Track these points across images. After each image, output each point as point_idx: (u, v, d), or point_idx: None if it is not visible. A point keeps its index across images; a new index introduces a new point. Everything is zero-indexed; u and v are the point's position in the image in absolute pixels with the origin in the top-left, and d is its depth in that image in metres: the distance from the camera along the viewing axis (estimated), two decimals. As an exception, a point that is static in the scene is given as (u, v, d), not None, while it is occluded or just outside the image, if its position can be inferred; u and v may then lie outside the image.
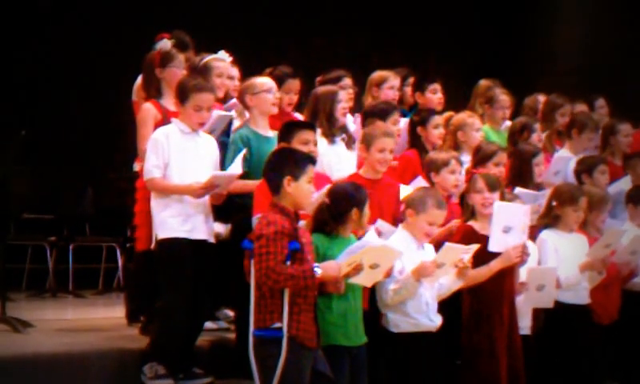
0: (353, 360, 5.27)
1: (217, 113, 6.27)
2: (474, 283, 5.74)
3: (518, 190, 6.39)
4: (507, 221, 5.74)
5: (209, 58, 6.83)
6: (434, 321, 5.63)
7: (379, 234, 5.60)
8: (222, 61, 6.84)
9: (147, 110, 6.32)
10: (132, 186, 6.58)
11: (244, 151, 5.97)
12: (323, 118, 6.43)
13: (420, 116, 6.90)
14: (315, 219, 5.32)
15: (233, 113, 6.67)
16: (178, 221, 5.77)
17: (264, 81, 6.40)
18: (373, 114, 6.60)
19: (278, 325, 4.87)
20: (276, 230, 4.84)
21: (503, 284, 5.84)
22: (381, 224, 5.72)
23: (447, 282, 5.66)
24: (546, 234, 6.36)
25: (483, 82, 7.93)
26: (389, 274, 5.41)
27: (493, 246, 5.74)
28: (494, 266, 5.75)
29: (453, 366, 5.83)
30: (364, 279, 5.18)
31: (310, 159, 5.17)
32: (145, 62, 6.55)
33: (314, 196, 5.29)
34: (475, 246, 5.61)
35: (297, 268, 4.84)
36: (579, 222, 6.45)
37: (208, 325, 6.45)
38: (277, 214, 4.95)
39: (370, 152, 5.94)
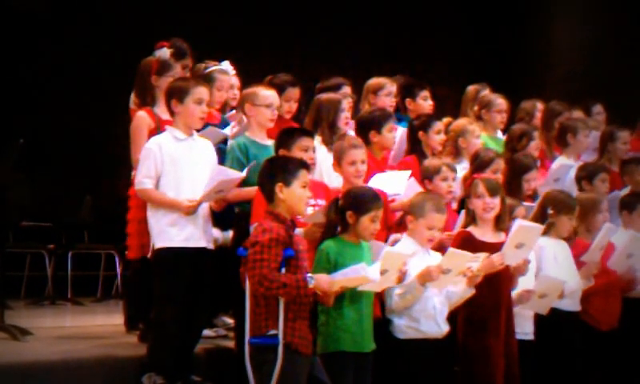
0: (358, 367, 5.29)
1: (211, 128, 6.27)
2: None
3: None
4: (523, 239, 5.76)
5: (213, 68, 6.83)
6: (441, 327, 5.64)
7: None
8: (226, 73, 6.84)
9: (141, 119, 6.33)
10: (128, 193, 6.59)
11: (253, 163, 5.93)
12: (325, 126, 6.43)
13: (421, 121, 6.89)
14: (327, 223, 5.35)
15: (227, 131, 6.66)
16: (176, 229, 5.77)
17: (267, 95, 6.26)
18: (368, 122, 6.60)
19: (273, 332, 4.88)
20: (271, 237, 4.86)
21: (499, 291, 5.84)
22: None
23: (458, 290, 5.67)
24: (543, 242, 6.36)
25: (472, 87, 7.94)
26: (401, 280, 5.43)
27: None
28: (480, 271, 5.71)
29: (450, 372, 5.84)
30: (374, 285, 5.20)
31: (303, 165, 5.18)
32: (140, 68, 6.56)
33: (309, 210, 5.31)
34: (483, 255, 5.62)
35: (290, 277, 4.85)
36: (571, 229, 6.47)
37: (206, 332, 6.45)
38: (272, 221, 4.97)
39: (342, 166, 5.92)
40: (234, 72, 6.96)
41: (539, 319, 6.24)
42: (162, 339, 5.78)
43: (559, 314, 6.25)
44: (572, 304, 6.37)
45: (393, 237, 5.75)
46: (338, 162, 5.94)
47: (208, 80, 6.65)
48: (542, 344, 6.23)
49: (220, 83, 6.78)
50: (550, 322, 6.21)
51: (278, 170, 5.09)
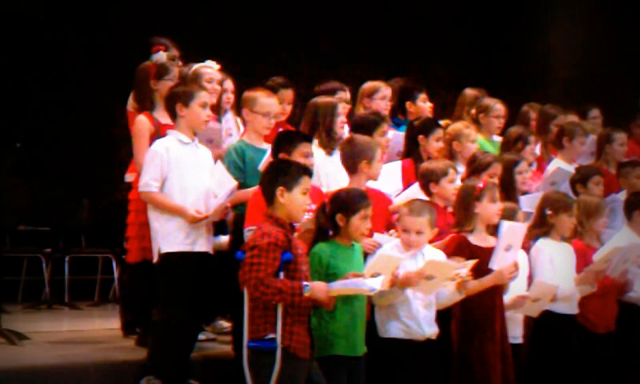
0: (351, 370, 5.30)
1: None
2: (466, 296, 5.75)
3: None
4: (510, 240, 5.77)
5: (197, 65, 6.84)
6: (424, 330, 5.61)
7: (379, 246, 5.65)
8: (210, 67, 6.85)
9: (142, 123, 6.32)
10: (126, 197, 6.58)
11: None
12: (322, 131, 6.40)
13: (422, 124, 6.88)
14: (316, 226, 5.35)
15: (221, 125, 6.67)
16: (181, 234, 5.79)
17: (266, 103, 6.26)
18: (361, 126, 6.61)
19: (271, 336, 4.90)
20: (269, 242, 4.87)
21: (494, 296, 5.85)
22: (378, 237, 5.73)
23: (447, 293, 5.67)
24: (542, 244, 6.38)
25: (469, 92, 7.94)
26: (394, 283, 5.43)
27: (495, 264, 5.77)
28: (486, 282, 5.75)
29: (439, 375, 5.83)
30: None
31: (306, 171, 5.19)
32: (138, 73, 6.56)
33: (306, 216, 5.32)
34: (472, 262, 5.62)
35: (286, 282, 4.86)
36: (572, 228, 6.47)
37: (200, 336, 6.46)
38: (271, 225, 4.97)
39: (372, 165, 5.92)
40: (217, 66, 6.93)
41: (536, 321, 6.25)
42: (166, 342, 5.77)
43: (556, 316, 6.26)
44: (569, 307, 6.37)
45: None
46: (369, 161, 5.92)
47: (196, 78, 6.63)
48: (538, 346, 6.25)
49: (208, 76, 6.73)
50: (547, 324, 6.24)
51: (281, 173, 5.10)
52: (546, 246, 6.38)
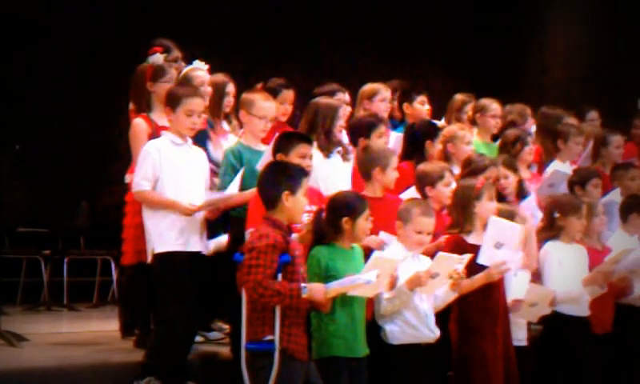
0: (352, 372, 5.30)
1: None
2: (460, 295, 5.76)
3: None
4: (499, 237, 5.76)
5: (186, 69, 6.85)
6: (434, 332, 5.64)
7: (383, 244, 5.69)
8: (200, 69, 6.86)
9: (139, 125, 6.34)
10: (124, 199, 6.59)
11: (241, 171, 5.96)
12: (321, 133, 6.38)
13: (428, 128, 6.88)
14: (314, 231, 5.36)
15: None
16: (174, 234, 5.79)
17: (262, 106, 6.21)
18: (356, 129, 6.61)
19: (269, 337, 4.90)
20: (267, 244, 4.87)
21: (492, 296, 5.86)
22: (383, 235, 5.75)
23: (442, 294, 5.68)
24: (550, 246, 6.39)
25: (459, 97, 7.95)
26: (393, 285, 5.44)
27: (482, 259, 5.77)
28: (477, 281, 5.76)
29: (445, 377, 5.84)
30: (365, 290, 5.21)
31: (304, 172, 5.20)
32: (135, 75, 6.57)
33: (305, 216, 5.34)
34: (468, 256, 5.62)
35: (284, 284, 4.87)
36: (582, 230, 6.48)
37: (198, 338, 6.45)
38: (269, 227, 4.98)
39: (386, 173, 5.97)
40: (207, 66, 6.92)
41: (547, 323, 6.27)
42: (167, 339, 5.75)
43: (567, 318, 6.28)
44: (580, 309, 6.37)
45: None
46: (383, 169, 5.97)
47: (186, 82, 6.62)
48: (547, 348, 6.28)
49: (199, 79, 6.71)
50: (558, 326, 6.27)
51: (284, 177, 5.09)
52: (554, 249, 6.38)
